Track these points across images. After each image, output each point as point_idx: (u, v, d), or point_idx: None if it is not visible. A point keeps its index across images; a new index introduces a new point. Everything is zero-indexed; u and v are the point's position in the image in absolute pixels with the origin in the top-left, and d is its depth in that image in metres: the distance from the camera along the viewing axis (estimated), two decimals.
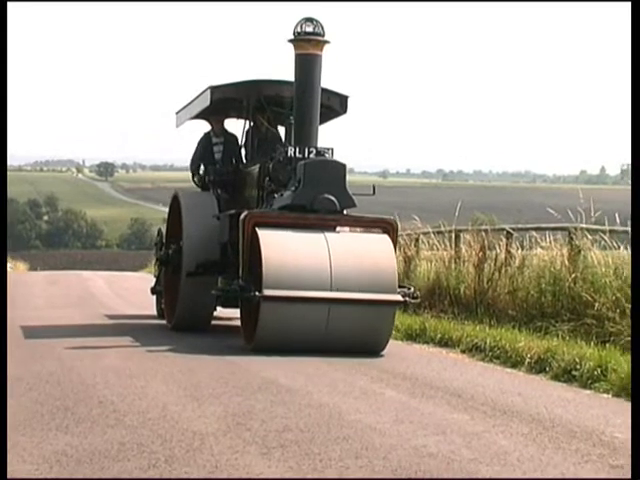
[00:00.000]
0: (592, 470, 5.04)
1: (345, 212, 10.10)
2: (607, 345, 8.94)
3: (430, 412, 6.51)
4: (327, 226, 9.89)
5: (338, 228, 10.08)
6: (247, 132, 12.04)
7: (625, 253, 10.66)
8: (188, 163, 12.65)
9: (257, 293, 9.15)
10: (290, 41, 10.30)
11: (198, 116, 12.65)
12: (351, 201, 9.99)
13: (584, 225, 11.34)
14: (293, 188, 9.94)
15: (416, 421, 6.14)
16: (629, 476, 4.94)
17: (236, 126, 12.65)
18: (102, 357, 8.90)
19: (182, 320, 11.34)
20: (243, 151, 12.18)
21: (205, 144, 12.49)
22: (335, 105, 11.84)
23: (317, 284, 9.22)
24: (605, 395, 7.55)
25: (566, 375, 8.24)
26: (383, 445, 5.43)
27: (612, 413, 6.74)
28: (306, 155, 10.09)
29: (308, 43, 10.20)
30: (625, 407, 7.03)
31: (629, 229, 10.59)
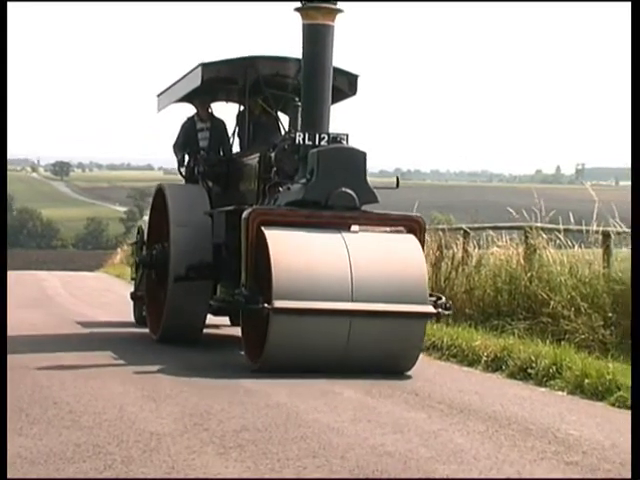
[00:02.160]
0: (547, 467, 5.09)
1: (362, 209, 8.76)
2: (562, 343, 9.02)
3: (388, 411, 6.53)
4: (344, 225, 8.59)
5: (353, 227, 8.83)
6: (241, 116, 10.80)
7: (579, 252, 10.77)
8: (171, 150, 11.29)
9: (266, 305, 7.77)
10: (297, 10, 8.95)
11: (184, 98, 11.32)
12: (372, 196, 8.63)
13: (539, 224, 11.43)
14: (304, 180, 8.58)
15: (374, 420, 6.16)
16: (589, 475, 5.00)
17: (223, 110, 11.56)
18: (60, 359, 8.82)
19: (169, 331, 9.97)
20: (236, 139, 10.97)
21: (189, 130, 11.13)
22: (343, 85, 10.40)
23: (336, 294, 7.88)
24: (560, 393, 7.62)
25: (522, 373, 8.31)
26: (341, 444, 5.44)
27: (567, 410, 6.81)
28: (317, 142, 8.69)
29: (318, 12, 8.82)
30: (580, 404, 7.12)
31: (583, 228, 10.72)
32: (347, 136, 8.81)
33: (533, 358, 8.29)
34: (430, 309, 8.16)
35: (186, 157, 11.02)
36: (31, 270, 34.83)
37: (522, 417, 6.44)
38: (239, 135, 10.88)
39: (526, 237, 11.50)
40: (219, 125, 11.15)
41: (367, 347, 7.98)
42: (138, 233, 12.31)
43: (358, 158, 8.60)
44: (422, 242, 8.50)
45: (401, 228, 8.87)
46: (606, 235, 10.43)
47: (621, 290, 9.48)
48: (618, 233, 10.35)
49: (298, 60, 9.51)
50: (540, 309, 10.26)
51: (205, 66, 10.24)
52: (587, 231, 10.63)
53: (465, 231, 13.18)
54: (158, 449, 5.23)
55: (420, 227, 8.59)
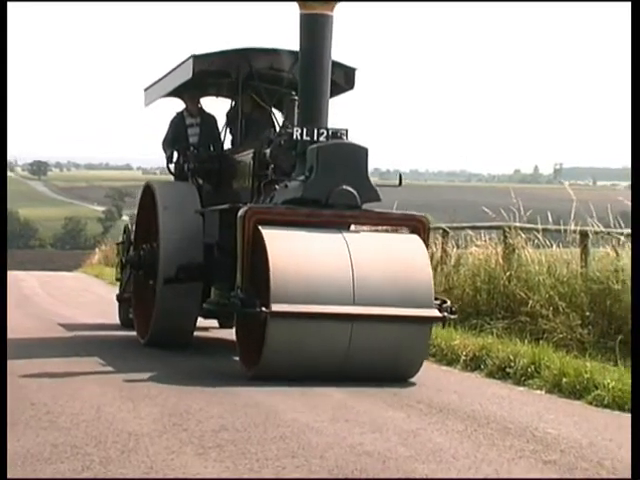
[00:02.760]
0: (525, 466, 5.11)
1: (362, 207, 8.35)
2: (540, 342, 9.06)
3: (366, 410, 6.53)
4: (344, 224, 8.24)
5: (353, 227, 8.52)
6: (233, 112, 10.42)
7: (557, 251, 10.82)
8: (160, 145, 10.86)
9: (263, 308, 7.38)
10: None
11: (174, 92, 10.88)
12: (374, 194, 8.24)
13: (518, 224, 11.48)
14: (302, 177, 8.19)
15: (352, 419, 6.16)
16: (565, 475, 5.02)
17: (212, 105, 11.12)
18: (38, 361, 8.76)
19: (158, 335, 9.54)
20: (227, 135, 10.61)
21: (178, 125, 10.72)
22: (339, 79, 9.90)
23: (336, 297, 7.48)
24: (538, 392, 7.65)
25: (500, 372, 8.33)
26: (320, 444, 5.44)
27: (545, 409, 6.84)
28: (316, 138, 8.31)
29: (316, 1, 8.50)
30: (558, 403, 7.16)
31: (561, 227, 10.77)
32: (347, 131, 8.42)
33: (512, 357, 8.32)
34: (436, 313, 7.77)
35: (175, 154, 10.64)
36: (9, 270, 34.66)
37: (500, 416, 6.46)
38: (230, 131, 10.52)
39: (505, 237, 11.55)
40: (209, 120, 10.78)
41: (369, 353, 7.59)
42: (124, 232, 11.93)
43: (359, 154, 8.23)
44: (426, 243, 8.15)
45: (403, 228, 8.55)
46: (584, 235, 10.48)
47: (599, 289, 9.53)
48: (596, 233, 10.39)
49: (293, 53, 9.31)
50: (519, 308, 10.30)
51: (197, 58, 9.85)
52: (565, 231, 10.68)
53: (444, 230, 13.21)
54: (136, 449, 5.21)
55: (424, 227, 8.20)
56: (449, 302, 8.13)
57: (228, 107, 10.71)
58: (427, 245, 8.17)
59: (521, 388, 7.84)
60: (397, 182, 8.85)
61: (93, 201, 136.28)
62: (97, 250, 37.08)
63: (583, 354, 8.66)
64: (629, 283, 9.26)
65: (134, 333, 10.30)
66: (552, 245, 11.00)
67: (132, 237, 10.83)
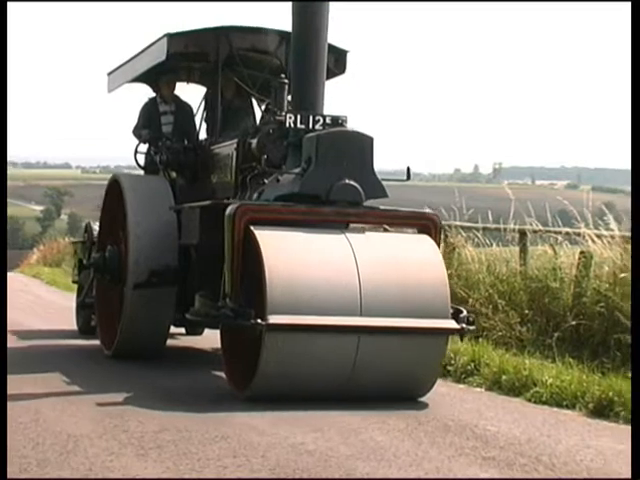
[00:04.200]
0: (465, 463, 5.15)
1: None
2: (480, 340, 9.15)
3: (307, 410, 6.53)
4: (345, 223, 7.38)
5: (352, 226, 7.65)
6: (211, 98, 9.38)
7: (497, 250, 10.92)
8: (131, 132, 9.85)
9: (259, 320, 6.43)
10: None
11: (142, 77, 9.86)
12: (380, 189, 7.34)
13: (458, 223, 11.57)
14: (298, 170, 7.26)
15: (293, 419, 6.15)
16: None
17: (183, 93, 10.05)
18: None
19: (127, 345, 8.56)
20: (203, 124, 9.65)
21: (151, 112, 9.74)
22: (329, 62, 8.52)
23: (341, 307, 6.58)
24: (478, 389, 7.72)
25: (441, 370, 8.39)
26: (261, 444, 5.43)
27: (485, 406, 6.90)
28: (311, 125, 7.42)
29: None
30: (497, 400, 7.23)
31: (501, 226, 10.88)
32: (346, 118, 7.55)
33: (452, 355, 8.37)
34: (453, 324, 6.87)
35: (142, 146, 9.66)
36: None
37: (441, 414, 6.50)
38: (207, 120, 9.50)
39: (445, 235, 11.63)
40: (185, 109, 9.82)
41: (377, 370, 6.71)
42: (86, 231, 11.03)
43: (364, 144, 7.24)
44: (438, 243, 7.29)
45: (410, 228, 7.71)
46: (522, 233, 10.60)
47: (537, 287, 9.64)
48: (534, 231, 10.52)
49: (279, 33, 8.82)
50: (459, 306, 10.37)
51: (172, 37, 8.88)
52: (504, 229, 10.79)
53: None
54: (75, 451, 5.16)
55: (435, 226, 7.32)
56: (465, 311, 7.15)
57: (203, 94, 9.75)
58: (439, 247, 7.31)
59: (461, 385, 7.91)
60: (398, 178, 7.89)
61: (31, 200, 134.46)
62: (35, 250, 36.69)
63: (522, 351, 8.75)
64: (567, 281, 9.41)
65: (91, 342, 9.75)
66: (492, 244, 11.11)
67: (95, 236, 10.10)
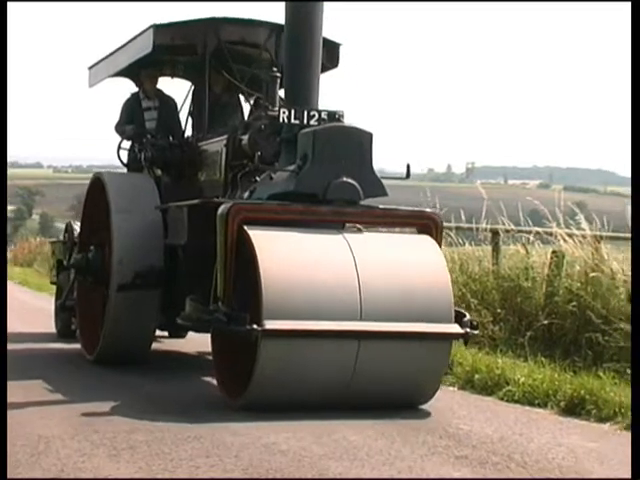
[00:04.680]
0: (438, 462, 5.17)
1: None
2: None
3: (280, 409, 6.53)
4: (342, 223, 7.13)
5: (348, 226, 7.39)
6: (198, 93, 9.05)
7: (470, 249, 10.97)
8: (113, 129, 9.58)
9: (255, 326, 6.12)
10: None
11: (125, 71, 9.56)
12: (379, 188, 7.02)
13: None
14: (294, 168, 6.92)
15: (266, 419, 6.15)
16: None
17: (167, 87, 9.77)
18: None
19: (110, 350, 8.24)
20: (189, 120, 9.36)
21: (133, 106, 9.45)
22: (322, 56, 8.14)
23: (341, 311, 6.27)
24: (451, 388, 7.74)
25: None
26: (234, 444, 5.42)
27: (457, 405, 6.93)
28: (305, 121, 7.12)
29: None
30: (470, 399, 7.26)
31: (474, 226, 10.93)
32: (343, 113, 7.23)
33: None
34: (457, 329, 6.57)
35: (125, 142, 9.38)
36: None
37: (414, 413, 6.51)
38: (194, 116, 9.19)
39: None
40: (168, 104, 9.52)
41: (377, 377, 6.41)
42: (66, 231, 10.73)
43: (363, 140, 6.92)
44: (439, 244, 6.96)
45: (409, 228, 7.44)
46: (495, 233, 10.65)
47: (509, 287, 9.70)
48: (507, 231, 10.57)
49: (269, 25, 8.66)
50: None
51: (158, 28, 8.54)
52: (477, 229, 10.84)
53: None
54: (47, 452, 5.13)
55: (436, 226, 7.01)
56: (468, 315, 6.85)
57: (188, 88, 9.48)
58: (440, 247, 6.98)
59: None
60: (398, 175, 7.53)
61: None
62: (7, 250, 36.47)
63: (494, 350, 8.80)
64: (539, 280, 9.46)
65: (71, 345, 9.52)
66: (464, 243, 11.15)
67: (76, 236, 9.75)
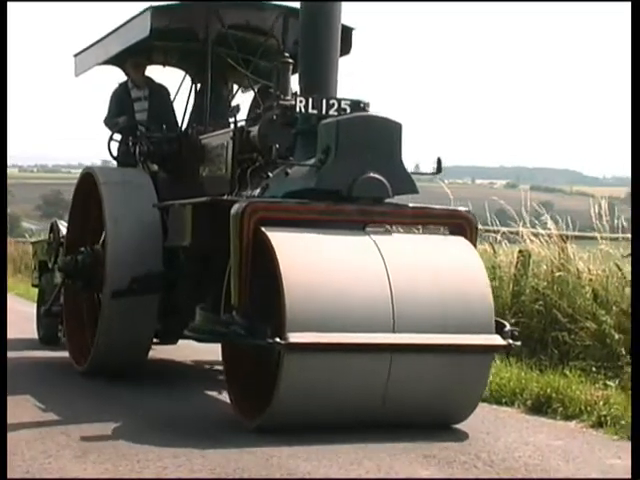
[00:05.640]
0: (407, 460, 5.17)
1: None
2: None
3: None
4: (369, 222, 6.40)
5: (370, 226, 6.53)
6: (197, 82, 8.56)
7: None
8: (103, 123, 8.95)
9: (277, 339, 5.46)
10: None
11: (115, 58, 8.85)
12: (409, 184, 6.32)
13: None
14: (314, 162, 6.23)
15: (235, 418, 6.13)
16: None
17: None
18: None
19: (103, 360, 7.64)
20: (181, 111, 8.74)
21: (123, 99, 8.83)
22: None
23: (372, 322, 5.62)
24: None
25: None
26: (201, 443, 5.40)
27: None
28: (324, 110, 6.46)
29: None
30: None
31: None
32: (369, 103, 6.57)
33: None
34: (499, 340, 5.93)
35: (117, 135, 8.64)
36: None
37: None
38: (190, 106, 8.59)
39: None
40: (160, 93, 8.87)
41: (411, 393, 5.80)
42: (51, 231, 10.11)
43: (393, 131, 6.23)
44: (474, 246, 6.34)
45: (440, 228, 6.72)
46: None
47: None
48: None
49: (276, 8, 8.15)
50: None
51: (156, 11, 7.85)
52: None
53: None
54: (13, 453, 5.07)
55: (471, 226, 6.35)
56: (508, 325, 6.19)
57: (182, 78, 8.89)
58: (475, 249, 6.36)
59: None
60: (430, 169, 6.69)
61: None
62: None
63: None
64: (506, 279, 9.50)
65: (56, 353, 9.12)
66: None
67: (62, 237, 9.27)
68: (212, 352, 8.07)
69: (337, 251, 5.81)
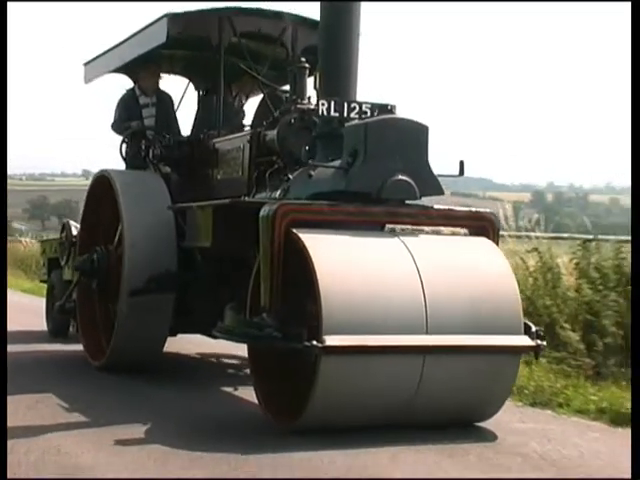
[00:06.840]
0: (433, 460, 5.16)
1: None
2: None
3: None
4: (397, 224, 6.42)
5: (397, 227, 6.57)
6: (212, 88, 8.63)
7: None
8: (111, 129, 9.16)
9: (314, 342, 5.37)
10: None
11: (124, 67, 9.06)
12: (436, 186, 6.33)
13: None
14: (341, 164, 6.22)
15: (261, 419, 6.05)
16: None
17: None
18: None
19: (120, 357, 7.78)
20: (181, 117, 9.05)
21: (130, 105, 9.03)
22: None
23: (406, 324, 5.61)
24: None
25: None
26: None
27: None
28: (345, 114, 6.46)
29: None
30: None
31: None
32: (395, 106, 6.55)
33: None
34: (527, 341, 5.96)
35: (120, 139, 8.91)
36: None
37: None
38: (202, 113, 8.87)
39: None
40: (165, 100, 9.15)
41: (442, 393, 5.82)
42: (62, 231, 10.35)
43: (420, 134, 6.23)
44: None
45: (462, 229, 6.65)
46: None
47: None
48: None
49: (288, 17, 8.33)
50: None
51: (173, 18, 7.99)
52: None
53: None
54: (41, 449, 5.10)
55: (493, 228, 6.39)
56: (534, 326, 6.15)
57: (186, 86, 9.23)
58: None
59: None
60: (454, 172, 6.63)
61: None
62: None
63: None
64: None
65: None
66: None
67: (74, 236, 9.47)
68: (214, 346, 8.35)
69: (369, 253, 5.80)
